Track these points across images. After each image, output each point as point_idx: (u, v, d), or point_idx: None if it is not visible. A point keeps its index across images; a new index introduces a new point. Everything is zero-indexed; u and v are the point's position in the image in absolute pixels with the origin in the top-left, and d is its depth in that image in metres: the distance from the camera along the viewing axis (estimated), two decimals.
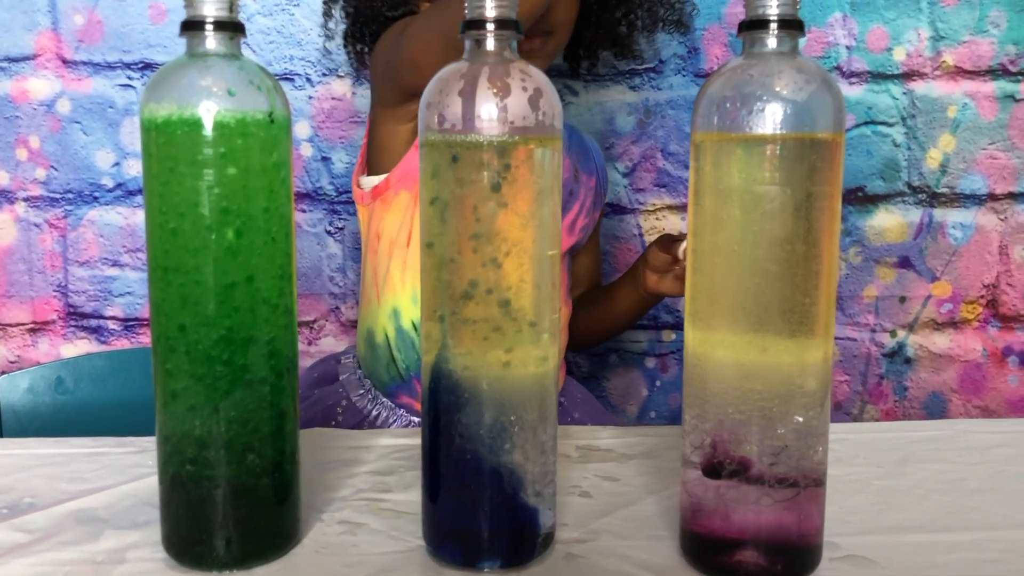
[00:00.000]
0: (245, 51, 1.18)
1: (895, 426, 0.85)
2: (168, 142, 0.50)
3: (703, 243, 0.51)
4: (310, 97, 1.19)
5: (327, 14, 1.06)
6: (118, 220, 1.19)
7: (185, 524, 0.53)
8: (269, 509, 0.54)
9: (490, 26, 0.50)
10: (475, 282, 0.50)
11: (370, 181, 0.95)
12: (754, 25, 0.50)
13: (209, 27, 0.50)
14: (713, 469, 0.52)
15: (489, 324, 0.51)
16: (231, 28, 0.51)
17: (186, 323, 0.51)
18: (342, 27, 1.05)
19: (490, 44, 0.51)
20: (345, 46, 1.07)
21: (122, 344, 1.22)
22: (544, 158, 0.51)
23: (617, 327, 1.12)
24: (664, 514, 0.61)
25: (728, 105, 0.49)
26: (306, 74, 1.19)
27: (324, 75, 1.18)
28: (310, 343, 1.22)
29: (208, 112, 0.49)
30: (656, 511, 0.62)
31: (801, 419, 0.50)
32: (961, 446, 0.75)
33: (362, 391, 0.96)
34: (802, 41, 1.19)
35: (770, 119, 0.48)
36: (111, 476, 0.67)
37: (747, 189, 0.49)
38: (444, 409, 0.52)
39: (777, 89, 0.48)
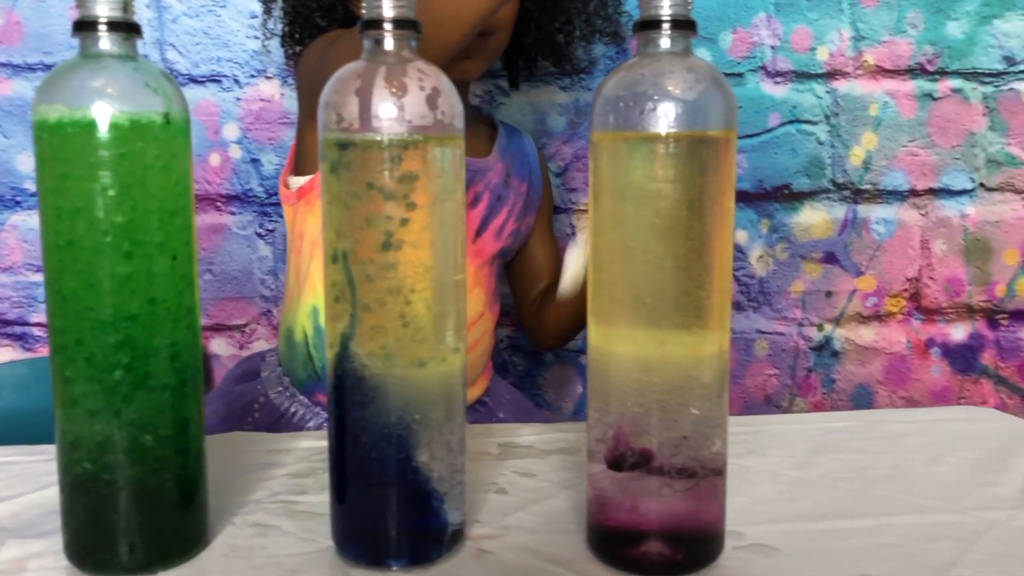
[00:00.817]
0: (171, 54, 1.17)
1: (809, 417, 0.87)
2: (60, 145, 0.49)
3: (602, 240, 0.52)
4: (238, 99, 1.18)
5: (266, 12, 1.06)
6: None
7: (87, 530, 0.53)
8: (174, 513, 0.54)
9: (388, 26, 0.51)
10: (372, 278, 0.50)
11: (296, 181, 0.95)
12: (647, 25, 0.51)
13: (103, 27, 0.50)
14: (616, 461, 0.53)
15: (391, 323, 0.51)
16: (125, 28, 0.50)
17: (83, 329, 0.50)
18: (280, 27, 1.05)
19: (388, 44, 0.51)
20: (283, 46, 1.07)
21: (46, 351, 1.19)
22: (443, 157, 0.51)
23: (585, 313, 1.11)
24: (576, 508, 0.61)
25: (622, 104, 0.50)
26: (234, 75, 1.18)
27: (252, 76, 1.18)
28: (241, 347, 1.21)
29: (101, 113, 0.49)
30: (569, 506, 0.62)
31: (697, 411, 0.51)
32: (872, 436, 0.77)
33: (280, 388, 0.96)
34: (727, 40, 1.22)
35: (662, 118, 0.49)
36: (20, 485, 0.66)
37: (641, 187, 0.50)
38: (348, 408, 0.52)
39: (668, 88, 0.49)
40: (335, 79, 0.51)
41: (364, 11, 0.51)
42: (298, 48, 1.04)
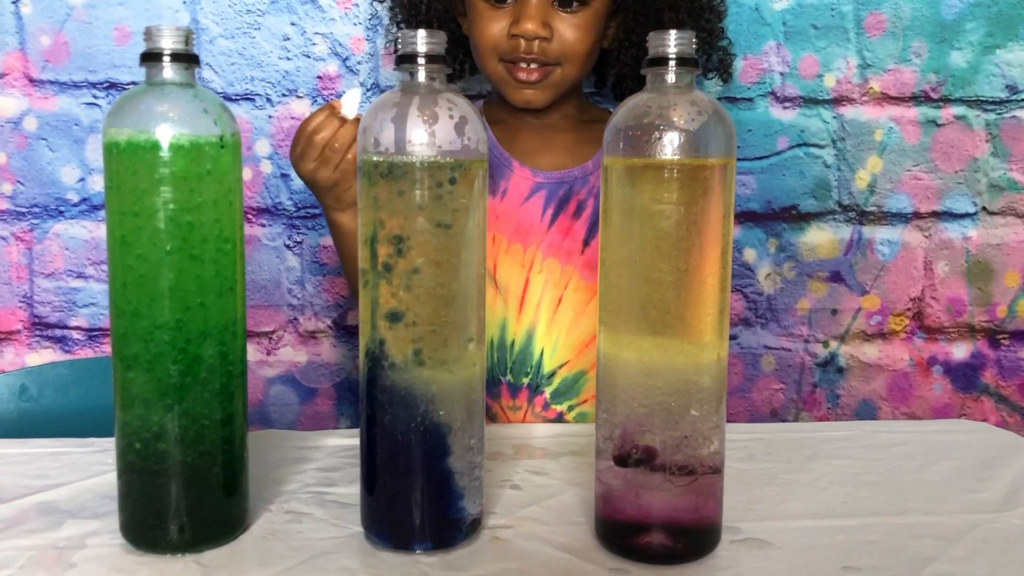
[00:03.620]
0: (207, 73, 1.23)
1: (809, 427, 0.91)
2: (128, 163, 0.55)
3: (611, 256, 0.57)
4: (270, 116, 1.24)
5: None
6: (83, 233, 1.24)
7: (141, 511, 0.58)
8: (219, 498, 0.59)
9: (421, 60, 0.56)
10: (398, 286, 0.56)
11: None
12: (654, 63, 0.56)
13: (166, 58, 0.56)
14: (622, 458, 0.58)
15: (419, 330, 0.56)
16: (186, 59, 0.56)
17: (144, 328, 0.56)
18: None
19: (421, 76, 0.57)
20: None
21: (85, 353, 1.25)
22: (469, 179, 0.56)
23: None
24: (585, 504, 0.66)
25: (631, 133, 0.55)
26: (266, 94, 1.24)
27: (283, 95, 1.24)
28: (269, 353, 1.27)
29: (164, 135, 0.54)
30: (578, 501, 0.67)
31: (697, 413, 0.56)
32: (865, 444, 0.81)
33: None
34: (738, 67, 1.27)
35: (667, 146, 0.54)
36: (72, 473, 0.71)
37: (646, 208, 0.55)
38: (379, 407, 0.58)
39: (673, 119, 0.54)
40: (373, 107, 0.57)
41: (399, 47, 0.57)
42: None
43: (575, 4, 0.95)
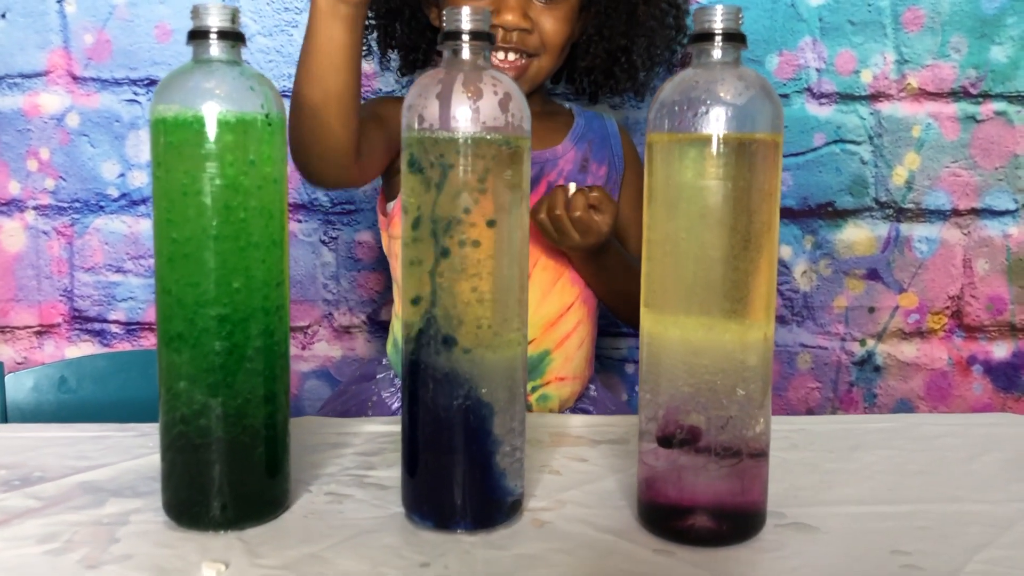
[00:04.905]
0: None
1: (850, 419, 0.90)
2: (175, 139, 0.55)
3: (656, 233, 0.57)
4: None
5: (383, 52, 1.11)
6: (122, 228, 1.25)
7: (184, 488, 0.58)
8: (261, 477, 0.59)
9: (465, 37, 0.56)
10: (442, 266, 0.56)
11: (391, 205, 1.01)
12: (701, 38, 0.56)
13: (213, 36, 0.56)
14: (666, 439, 0.57)
15: (461, 311, 0.56)
16: (232, 37, 0.57)
17: (189, 305, 0.56)
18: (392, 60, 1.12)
19: (465, 53, 0.57)
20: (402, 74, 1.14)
21: (124, 347, 1.27)
22: (513, 155, 0.56)
23: (604, 294, 1.05)
24: (626, 489, 0.66)
25: (676, 109, 0.55)
26: None
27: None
28: (304, 347, 1.28)
29: (210, 111, 0.55)
30: (619, 486, 0.67)
31: (743, 392, 0.56)
32: (909, 436, 0.80)
33: (392, 389, 1.03)
34: (773, 63, 1.26)
35: (713, 121, 0.54)
36: (114, 455, 0.72)
37: (693, 184, 0.54)
38: (422, 387, 0.57)
39: (720, 94, 0.54)
40: (418, 84, 0.57)
41: (444, 24, 0.57)
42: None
43: None
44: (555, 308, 1.00)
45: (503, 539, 0.57)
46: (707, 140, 0.54)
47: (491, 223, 0.56)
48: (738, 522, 0.58)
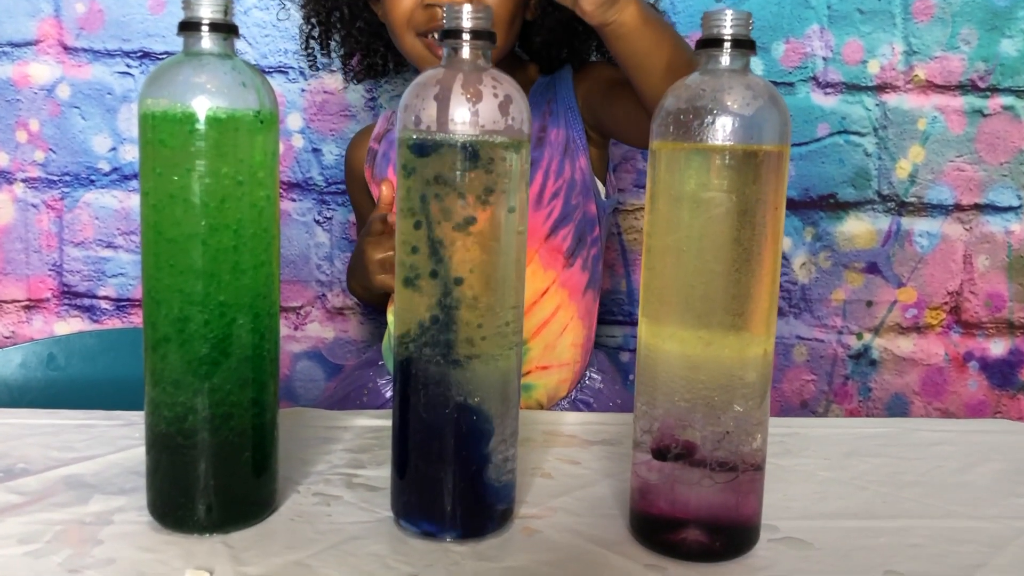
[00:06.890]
0: (241, 44, 1.22)
1: (845, 422, 0.89)
2: (163, 135, 0.53)
3: (656, 243, 0.55)
4: (303, 90, 1.23)
5: (323, 47, 1.10)
6: (113, 203, 1.23)
7: (169, 490, 0.57)
8: (247, 478, 0.58)
9: (466, 36, 0.54)
10: (437, 272, 0.54)
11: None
12: (709, 43, 0.54)
13: (205, 28, 0.54)
14: (660, 452, 0.56)
15: (452, 315, 0.55)
16: (225, 30, 0.55)
17: (175, 303, 0.55)
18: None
19: (465, 53, 0.55)
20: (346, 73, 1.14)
21: (113, 323, 1.25)
22: (512, 160, 0.55)
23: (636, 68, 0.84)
24: (618, 496, 0.65)
25: (682, 117, 0.53)
26: (300, 67, 1.22)
27: (317, 69, 1.22)
28: (296, 328, 1.26)
29: (201, 107, 0.53)
30: (611, 493, 0.66)
31: (741, 408, 0.55)
32: (905, 443, 0.79)
33: (388, 377, 1.03)
34: (779, 50, 1.24)
35: (719, 130, 0.52)
36: (100, 446, 0.71)
37: (696, 195, 0.53)
38: (412, 392, 0.56)
39: (727, 103, 0.52)
40: (416, 84, 0.55)
41: (444, 21, 0.55)
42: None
43: None
44: (527, 295, 0.95)
45: (492, 549, 0.57)
46: (712, 151, 0.52)
47: (487, 230, 0.54)
48: (732, 537, 0.57)
